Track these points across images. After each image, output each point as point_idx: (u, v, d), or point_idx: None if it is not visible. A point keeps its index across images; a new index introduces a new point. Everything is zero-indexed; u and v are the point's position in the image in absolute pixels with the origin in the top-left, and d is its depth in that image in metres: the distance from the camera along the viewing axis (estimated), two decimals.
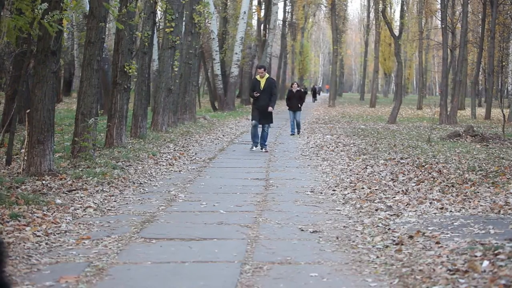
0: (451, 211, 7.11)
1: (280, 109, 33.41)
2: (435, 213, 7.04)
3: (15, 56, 14.17)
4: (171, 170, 10.78)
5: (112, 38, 22.22)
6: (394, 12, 59.36)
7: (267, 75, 14.20)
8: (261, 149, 14.40)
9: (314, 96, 58.73)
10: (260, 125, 14.36)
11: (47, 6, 8.44)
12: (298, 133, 19.53)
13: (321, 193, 8.74)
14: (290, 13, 55.10)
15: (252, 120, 14.48)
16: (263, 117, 14.17)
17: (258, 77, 14.25)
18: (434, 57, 71.93)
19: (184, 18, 21.06)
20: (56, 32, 8.83)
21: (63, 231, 6.20)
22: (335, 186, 9.24)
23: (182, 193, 8.58)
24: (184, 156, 12.83)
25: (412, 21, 53.54)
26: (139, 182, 9.30)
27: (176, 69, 19.38)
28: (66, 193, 8.02)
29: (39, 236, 5.90)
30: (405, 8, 47.72)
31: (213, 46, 32.71)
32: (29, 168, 9.11)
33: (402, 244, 5.60)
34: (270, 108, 14.11)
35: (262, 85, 14.06)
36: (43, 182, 8.58)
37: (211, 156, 13.14)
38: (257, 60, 43.24)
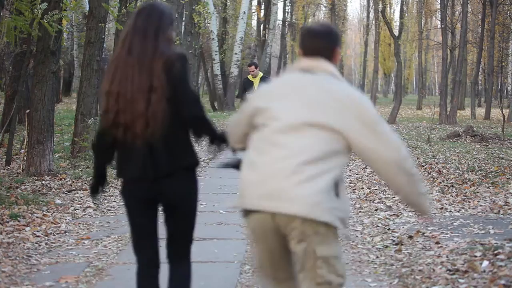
0: (450, 211, 7.11)
1: None
2: (434, 213, 7.03)
3: (15, 56, 14.18)
4: None
5: (112, 38, 22.23)
6: (393, 12, 59.38)
7: (260, 74, 12.16)
8: None
9: None
10: None
11: (46, 6, 8.45)
12: None
13: None
14: (289, 13, 55.08)
15: None
16: None
17: (250, 76, 12.18)
18: (433, 57, 71.90)
19: (183, 18, 21.08)
20: (55, 32, 8.83)
21: (63, 231, 6.20)
22: None
23: None
24: None
25: (411, 21, 53.55)
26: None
27: None
28: (65, 193, 8.02)
29: (38, 236, 5.90)
30: (405, 8, 47.72)
31: (213, 46, 32.71)
32: (28, 168, 9.11)
33: (401, 244, 5.60)
34: None
35: (256, 86, 11.86)
36: (43, 182, 8.58)
37: (211, 156, 13.13)
38: (257, 60, 43.23)
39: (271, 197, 2.67)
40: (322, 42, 2.89)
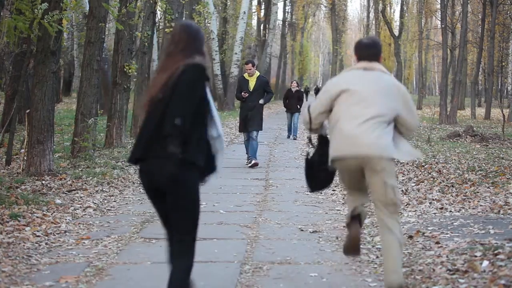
0: (450, 211, 7.11)
1: (279, 109, 33.39)
2: (434, 213, 7.04)
3: (15, 56, 14.19)
4: None
5: (112, 38, 22.24)
6: (393, 12, 59.39)
7: (257, 73, 11.58)
8: (249, 162, 11.51)
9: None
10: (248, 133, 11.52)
11: (47, 6, 8.45)
12: (294, 138, 17.62)
13: (321, 193, 8.74)
14: (290, 13, 55.12)
15: (243, 132, 11.74)
16: (251, 122, 11.37)
17: (246, 75, 11.59)
18: (433, 57, 71.92)
19: (184, 18, 21.09)
20: (55, 32, 8.83)
21: (63, 231, 6.20)
22: (335, 186, 9.24)
23: None
24: None
25: (411, 21, 53.55)
26: (138, 182, 9.29)
27: None
28: (65, 193, 8.02)
29: (39, 236, 5.90)
30: (405, 8, 47.74)
31: (213, 46, 32.73)
32: (28, 168, 9.11)
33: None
34: (261, 100, 11.48)
35: (251, 85, 11.44)
36: (43, 182, 8.58)
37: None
38: (257, 60, 43.21)
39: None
40: (372, 51, 4.53)
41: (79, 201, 7.69)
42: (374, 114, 4.26)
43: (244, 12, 33.26)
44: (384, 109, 4.29)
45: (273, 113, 33.61)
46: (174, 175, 3.51)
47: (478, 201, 7.56)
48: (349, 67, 4.76)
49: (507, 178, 9.27)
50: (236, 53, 33.27)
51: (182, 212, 3.61)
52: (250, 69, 11.52)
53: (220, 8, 38.80)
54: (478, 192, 8.20)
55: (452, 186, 8.81)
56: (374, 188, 4.37)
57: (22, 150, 10.18)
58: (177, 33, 3.78)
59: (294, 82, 18.69)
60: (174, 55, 3.67)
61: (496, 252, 4.91)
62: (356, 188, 4.60)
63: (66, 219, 6.67)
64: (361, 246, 4.68)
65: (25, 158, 9.34)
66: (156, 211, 3.83)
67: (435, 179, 9.47)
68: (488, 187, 8.58)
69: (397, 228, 4.30)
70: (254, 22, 45.96)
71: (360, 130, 4.22)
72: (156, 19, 20.40)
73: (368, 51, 4.52)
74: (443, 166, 10.86)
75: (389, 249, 4.24)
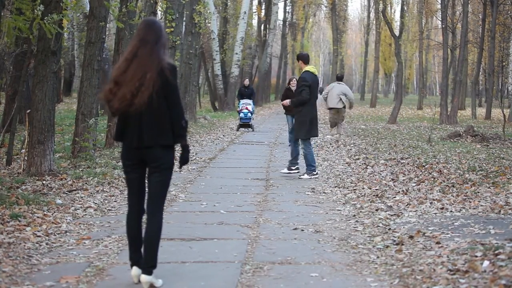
0: (451, 211, 7.11)
1: (280, 109, 33.39)
2: (435, 213, 7.04)
3: (16, 56, 14.19)
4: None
5: (113, 38, 22.23)
6: (394, 12, 59.35)
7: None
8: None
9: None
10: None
11: (44, 9, 8.43)
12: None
13: (322, 193, 8.74)
14: (290, 13, 55.07)
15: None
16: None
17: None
18: (434, 57, 71.90)
19: (184, 18, 21.08)
20: (54, 34, 8.82)
21: (64, 231, 6.20)
22: (335, 186, 9.24)
23: (182, 193, 8.58)
24: None
25: (412, 21, 53.56)
26: None
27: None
28: (66, 193, 8.03)
29: (39, 236, 5.90)
30: (405, 8, 47.72)
31: (213, 46, 32.73)
32: (29, 168, 9.11)
33: (402, 244, 5.60)
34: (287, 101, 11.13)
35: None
36: (44, 182, 8.58)
37: (212, 156, 13.13)
38: (258, 60, 43.19)
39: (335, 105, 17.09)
40: (339, 78, 18.09)
41: (79, 201, 7.69)
42: (339, 94, 16.70)
43: (245, 12, 33.25)
44: (340, 93, 16.65)
45: (274, 113, 33.63)
46: (165, 158, 4.47)
47: (479, 201, 7.55)
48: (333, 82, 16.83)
49: (508, 178, 9.26)
50: (236, 53, 33.26)
51: (163, 182, 4.49)
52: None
53: (220, 8, 38.77)
54: (478, 192, 8.20)
55: (453, 186, 8.81)
56: (339, 118, 17.19)
57: (23, 150, 10.18)
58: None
59: (294, 79, 15.37)
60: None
61: (496, 252, 4.91)
62: (334, 122, 17.33)
63: (66, 219, 6.67)
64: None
65: (26, 158, 9.34)
66: (130, 179, 4.52)
67: (436, 179, 9.47)
68: (489, 187, 8.57)
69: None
70: (255, 22, 45.93)
71: (336, 101, 16.77)
72: (157, 19, 20.34)
73: (338, 77, 17.73)
74: (443, 166, 10.86)
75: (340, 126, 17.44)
